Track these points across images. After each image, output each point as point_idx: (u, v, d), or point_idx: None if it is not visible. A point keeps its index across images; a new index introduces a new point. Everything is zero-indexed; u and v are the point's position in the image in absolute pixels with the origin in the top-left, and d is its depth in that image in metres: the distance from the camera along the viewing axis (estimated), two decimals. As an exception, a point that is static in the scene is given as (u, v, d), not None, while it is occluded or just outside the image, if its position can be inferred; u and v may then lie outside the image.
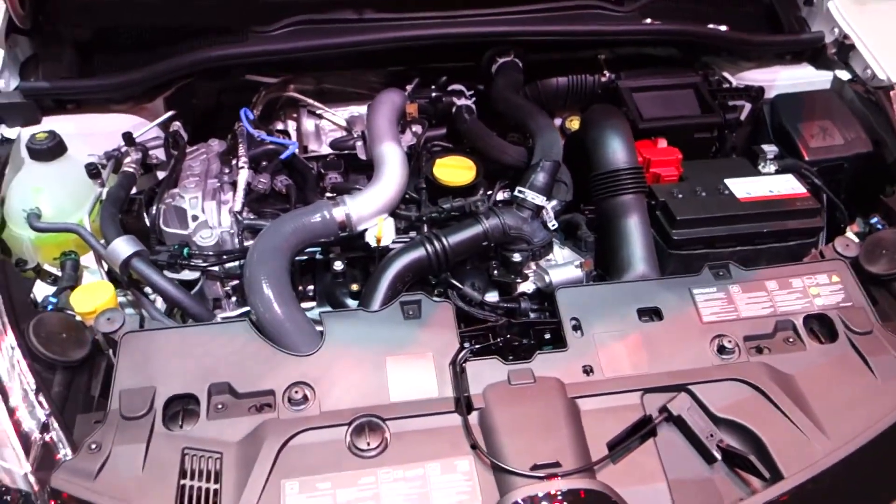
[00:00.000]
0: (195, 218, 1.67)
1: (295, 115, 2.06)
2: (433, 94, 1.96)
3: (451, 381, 1.34)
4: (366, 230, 1.67)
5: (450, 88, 1.99)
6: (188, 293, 1.52)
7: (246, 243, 1.71)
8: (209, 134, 2.01)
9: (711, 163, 1.94)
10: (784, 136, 1.98)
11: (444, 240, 1.59)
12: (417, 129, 1.98)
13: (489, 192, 1.81)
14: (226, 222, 1.73)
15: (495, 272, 1.68)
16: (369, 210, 1.65)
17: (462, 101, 1.95)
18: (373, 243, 1.65)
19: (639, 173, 1.71)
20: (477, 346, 1.45)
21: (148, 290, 1.59)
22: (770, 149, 1.89)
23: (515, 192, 1.69)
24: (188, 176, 1.77)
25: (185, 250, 1.62)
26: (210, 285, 1.68)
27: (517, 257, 1.65)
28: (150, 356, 1.36)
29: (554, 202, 1.72)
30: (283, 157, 1.82)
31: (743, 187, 1.77)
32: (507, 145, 1.81)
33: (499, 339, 1.48)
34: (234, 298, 1.76)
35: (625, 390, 1.35)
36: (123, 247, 1.50)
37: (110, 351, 1.47)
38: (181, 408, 1.31)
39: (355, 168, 1.94)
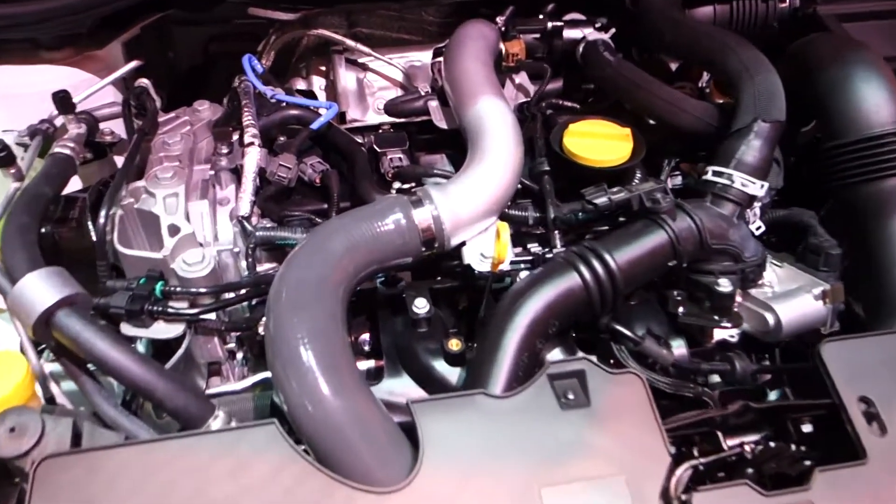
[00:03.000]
0: (174, 229, 0.98)
1: (323, 68, 1.38)
2: (548, 26, 1.26)
3: (668, 530, 0.71)
4: (462, 244, 0.99)
5: (566, 18, 1.29)
6: (164, 371, 0.83)
7: (260, 268, 1.04)
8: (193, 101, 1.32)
9: None
10: None
11: (608, 258, 0.92)
12: (522, 79, 1.28)
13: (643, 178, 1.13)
14: (226, 235, 1.05)
15: (680, 309, 1.01)
16: (470, 210, 0.97)
17: (594, 34, 1.26)
18: (479, 267, 0.98)
19: (916, 141, 1.04)
20: (703, 461, 0.79)
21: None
22: None
23: (709, 175, 1.03)
24: (162, 159, 1.08)
25: (159, 286, 0.94)
26: (202, 344, 1.00)
27: (726, 285, 0.97)
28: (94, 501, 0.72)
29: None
30: (314, 126, 1.14)
31: None
32: (684, 98, 1.13)
33: (748, 446, 0.81)
34: (240, 355, 1.09)
35: None
36: (40, 289, 0.81)
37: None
38: None
39: (421, 145, 1.25)
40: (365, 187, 1.09)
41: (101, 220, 0.95)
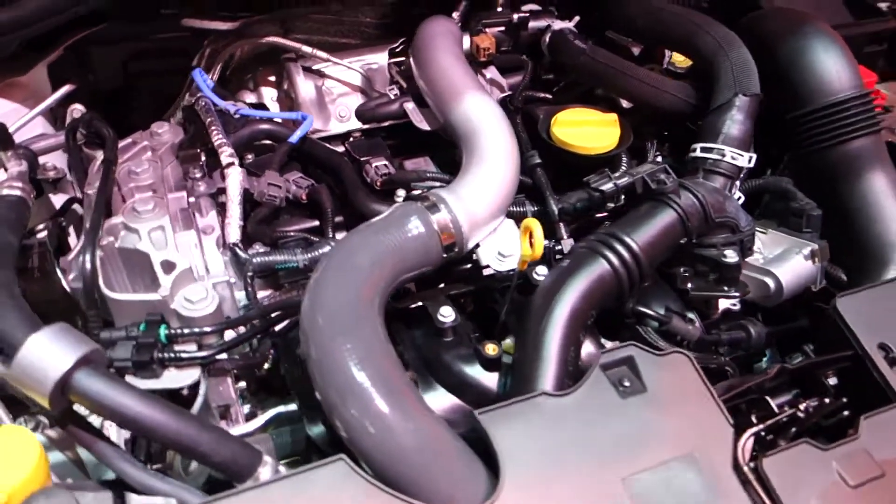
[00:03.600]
0: (169, 266, 0.88)
1: (273, 78, 1.29)
2: (514, 18, 1.24)
3: (746, 498, 0.74)
4: (476, 246, 0.97)
5: (526, 9, 1.28)
6: (203, 422, 0.75)
7: (260, 295, 0.96)
8: (119, 130, 1.19)
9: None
10: None
11: (630, 242, 0.93)
12: (493, 73, 1.26)
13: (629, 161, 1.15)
14: (217, 266, 0.96)
15: (689, 285, 1.03)
16: (484, 209, 0.95)
17: (558, 23, 1.26)
18: (499, 267, 0.96)
19: (870, 104, 1.11)
20: (763, 427, 0.81)
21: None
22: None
23: (697, 152, 1.06)
24: (133, 191, 0.97)
25: (162, 330, 0.84)
26: (214, 387, 0.91)
27: (732, 256, 1.01)
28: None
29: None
30: (293, 140, 1.07)
31: None
32: (663, 79, 1.15)
33: (802, 405, 0.84)
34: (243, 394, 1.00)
35: None
36: (51, 351, 0.70)
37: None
38: None
39: (396, 150, 1.20)
40: (360, 199, 1.03)
41: (87, 266, 0.84)
